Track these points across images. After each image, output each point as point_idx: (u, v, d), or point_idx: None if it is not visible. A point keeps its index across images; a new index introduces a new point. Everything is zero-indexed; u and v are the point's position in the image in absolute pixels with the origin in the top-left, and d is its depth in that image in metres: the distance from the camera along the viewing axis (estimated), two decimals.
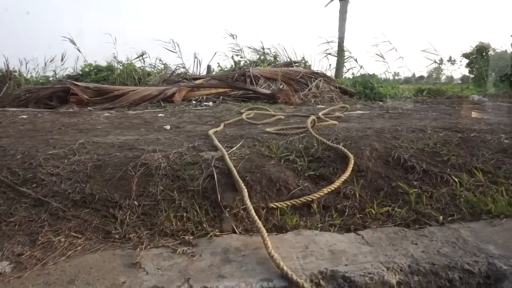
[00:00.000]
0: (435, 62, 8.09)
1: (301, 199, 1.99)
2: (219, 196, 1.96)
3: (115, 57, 7.18)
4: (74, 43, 7.38)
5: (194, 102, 5.38)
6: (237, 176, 2.03)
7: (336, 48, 8.72)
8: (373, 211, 1.95)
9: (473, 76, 10.25)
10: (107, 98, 5.25)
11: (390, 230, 1.80)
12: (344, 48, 8.61)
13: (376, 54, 7.86)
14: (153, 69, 7.53)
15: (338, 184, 2.09)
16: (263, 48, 8.60)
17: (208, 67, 8.93)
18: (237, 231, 1.80)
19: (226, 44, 8.77)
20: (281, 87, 6.19)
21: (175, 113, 4.44)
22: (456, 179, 2.22)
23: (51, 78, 7.79)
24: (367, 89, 7.33)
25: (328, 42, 8.58)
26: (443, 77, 14.96)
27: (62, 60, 8.34)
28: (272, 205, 1.96)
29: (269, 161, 2.31)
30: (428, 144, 2.56)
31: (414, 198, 2.06)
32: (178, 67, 7.35)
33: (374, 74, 9.55)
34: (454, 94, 6.53)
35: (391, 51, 8.15)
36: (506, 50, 9.83)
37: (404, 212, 1.99)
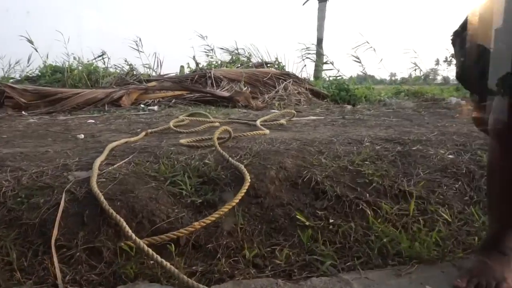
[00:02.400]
0: (415, 64, 7.60)
1: (162, 236, 1.56)
2: (56, 232, 1.54)
3: (74, 58, 6.78)
4: (31, 42, 6.98)
5: (142, 106, 4.96)
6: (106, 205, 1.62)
7: (314, 49, 8.28)
8: (248, 254, 1.52)
9: None
10: (48, 101, 4.84)
11: (258, 284, 1.36)
12: (323, 49, 8.18)
13: (373, 51, 7.39)
14: (116, 70, 7.12)
15: (217, 215, 1.66)
16: (237, 49, 8.17)
17: (181, 67, 8.52)
18: (59, 283, 1.37)
19: (199, 45, 8.32)
20: (245, 89, 5.76)
21: (109, 119, 4.02)
22: (374, 207, 1.79)
23: (11, 80, 7.39)
24: (342, 91, 6.90)
25: (307, 48, 8.13)
26: (439, 78, 14.49)
27: (28, 61, 7.96)
28: (122, 244, 1.54)
29: (149, 183, 1.88)
30: (354, 161, 2.13)
31: (309, 234, 1.62)
32: (132, 68, 6.91)
33: (363, 75, 9.10)
34: (432, 96, 6.07)
35: (373, 52, 7.67)
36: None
37: (294, 254, 1.56)
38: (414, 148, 2.38)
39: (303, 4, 11.53)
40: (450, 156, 2.24)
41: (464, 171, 2.06)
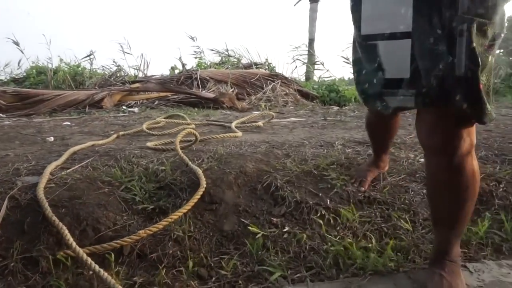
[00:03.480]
0: None
1: (104, 245, 1.48)
2: None
3: (61, 59, 6.71)
4: (17, 44, 6.91)
5: (124, 107, 4.88)
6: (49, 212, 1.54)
7: (305, 49, 8.21)
8: (191, 264, 1.44)
9: None
10: (29, 103, 4.76)
11: None
12: (314, 50, 8.10)
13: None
14: (104, 71, 7.04)
15: (165, 223, 1.58)
16: (227, 50, 8.09)
17: (171, 68, 8.45)
18: None
19: (190, 47, 8.25)
20: (230, 90, 5.69)
21: (86, 121, 3.94)
22: (333, 214, 1.71)
23: None
24: (332, 92, 6.83)
25: (297, 47, 8.05)
26: None
27: (18, 64, 7.90)
28: (62, 253, 1.46)
29: (101, 189, 1.79)
30: (319, 165, 2.05)
31: (260, 243, 1.54)
32: (119, 69, 6.84)
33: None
34: None
35: None
36: None
37: (242, 264, 1.48)
38: None
39: (295, 5, 11.47)
40: (421, 159, 2.16)
41: None
